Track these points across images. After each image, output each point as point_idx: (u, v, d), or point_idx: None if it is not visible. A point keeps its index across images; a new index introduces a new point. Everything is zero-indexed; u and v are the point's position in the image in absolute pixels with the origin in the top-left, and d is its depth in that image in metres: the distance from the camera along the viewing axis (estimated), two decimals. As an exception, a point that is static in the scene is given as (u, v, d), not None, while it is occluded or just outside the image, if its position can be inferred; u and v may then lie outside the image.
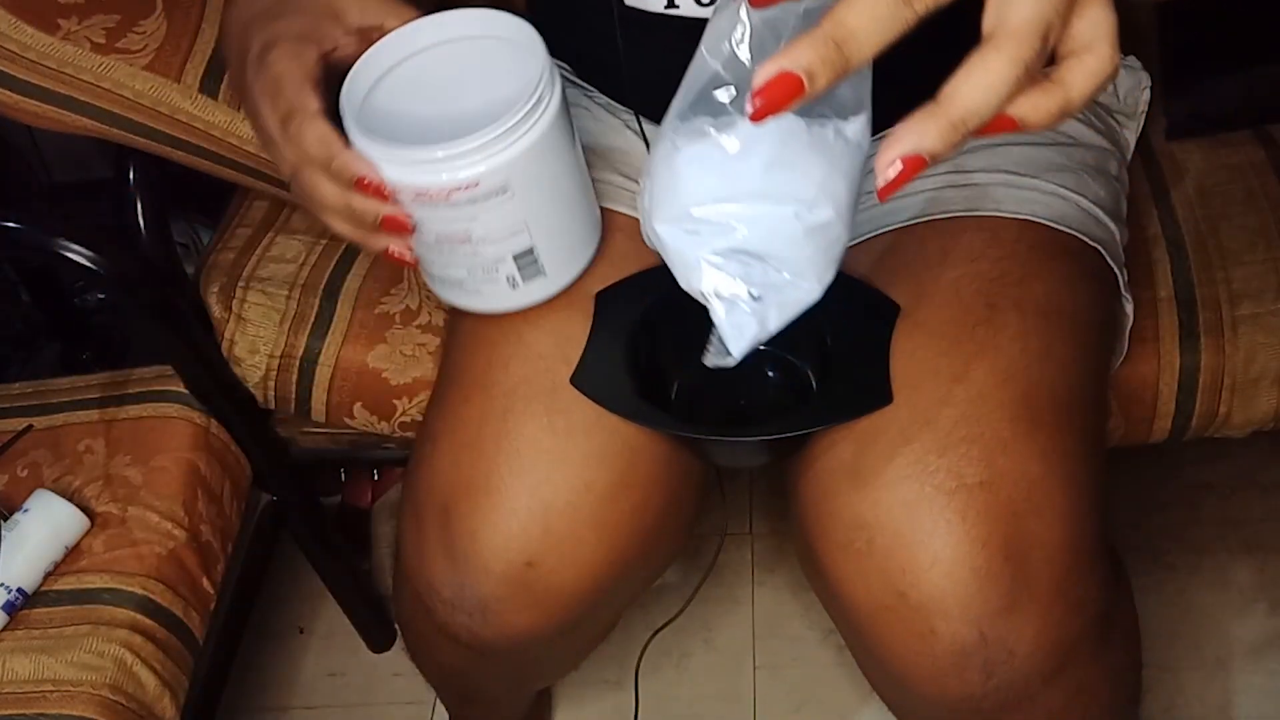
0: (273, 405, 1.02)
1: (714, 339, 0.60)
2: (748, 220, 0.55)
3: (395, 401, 0.99)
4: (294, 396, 1.00)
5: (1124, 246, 0.82)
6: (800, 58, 0.40)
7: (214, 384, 0.99)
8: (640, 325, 0.73)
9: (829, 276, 0.58)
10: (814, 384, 0.74)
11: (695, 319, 0.70)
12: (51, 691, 0.83)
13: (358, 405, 1.00)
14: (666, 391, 0.75)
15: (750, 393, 0.76)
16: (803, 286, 0.57)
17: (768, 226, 0.55)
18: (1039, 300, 0.70)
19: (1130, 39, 1.04)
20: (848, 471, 0.67)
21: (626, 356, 0.72)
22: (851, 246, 0.78)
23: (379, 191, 0.63)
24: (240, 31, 0.68)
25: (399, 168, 0.63)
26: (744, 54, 0.54)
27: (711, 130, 0.55)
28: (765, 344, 0.76)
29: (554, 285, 0.73)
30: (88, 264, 0.85)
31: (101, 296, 1.46)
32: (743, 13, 0.53)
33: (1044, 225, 0.75)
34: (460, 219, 0.65)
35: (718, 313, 0.58)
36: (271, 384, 1.00)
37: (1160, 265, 0.93)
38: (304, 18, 0.66)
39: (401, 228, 0.65)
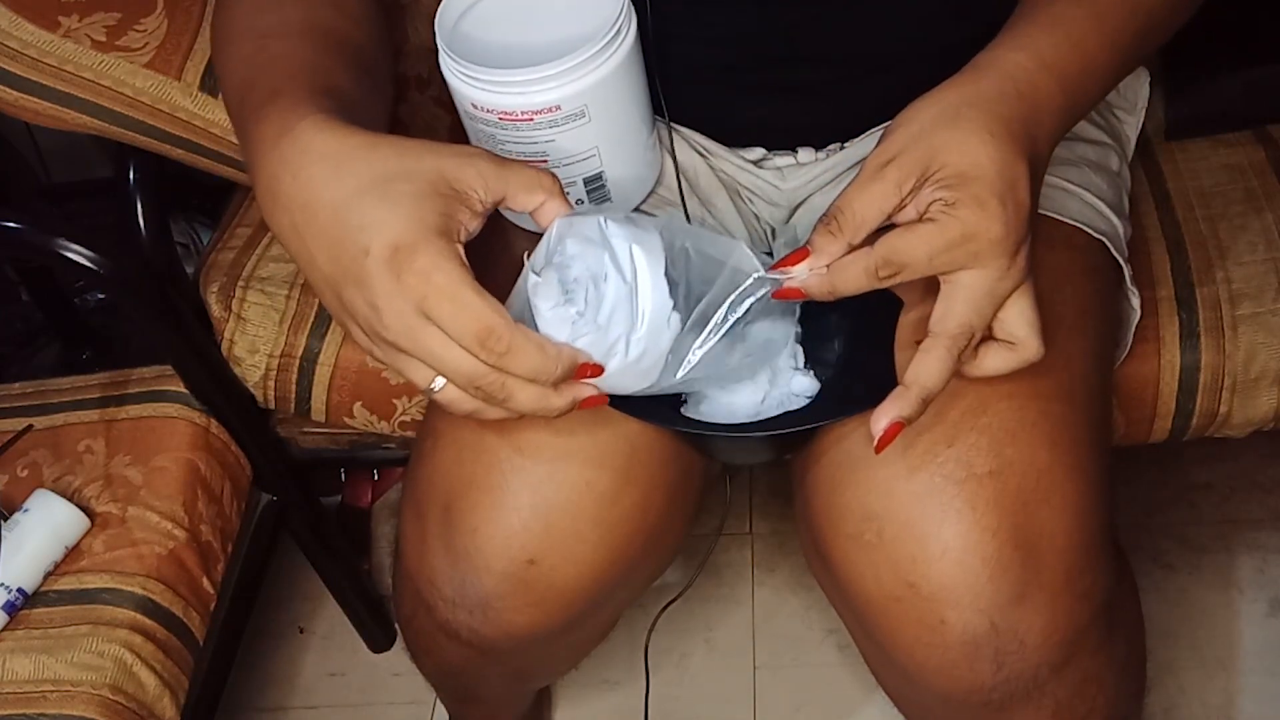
0: (272, 405, 1.02)
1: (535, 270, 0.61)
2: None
3: (395, 401, 0.99)
4: (294, 396, 1.00)
5: (1127, 241, 0.82)
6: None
7: (214, 384, 0.98)
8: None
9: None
10: (818, 378, 0.74)
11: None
12: (51, 691, 0.83)
13: (358, 405, 1.00)
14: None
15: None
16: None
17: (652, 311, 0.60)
18: (1043, 292, 0.70)
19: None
20: (856, 464, 0.67)
21: None
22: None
23: (593, 372, 0.60)
24: (330, 223, 0.58)
25: (487, 89, 0.69)
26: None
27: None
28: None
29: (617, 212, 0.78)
30: (88, 264, 0.85)
31: (101, 296, 1.46)
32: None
33: (1048, 218, 0.75)
34: (539, 140, 0.71)
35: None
36: (271, 383, 1.00)
37: (1160, 265, 0.93)
38: (427, 204, 0.57)
39: (600, 401, 0.61)
